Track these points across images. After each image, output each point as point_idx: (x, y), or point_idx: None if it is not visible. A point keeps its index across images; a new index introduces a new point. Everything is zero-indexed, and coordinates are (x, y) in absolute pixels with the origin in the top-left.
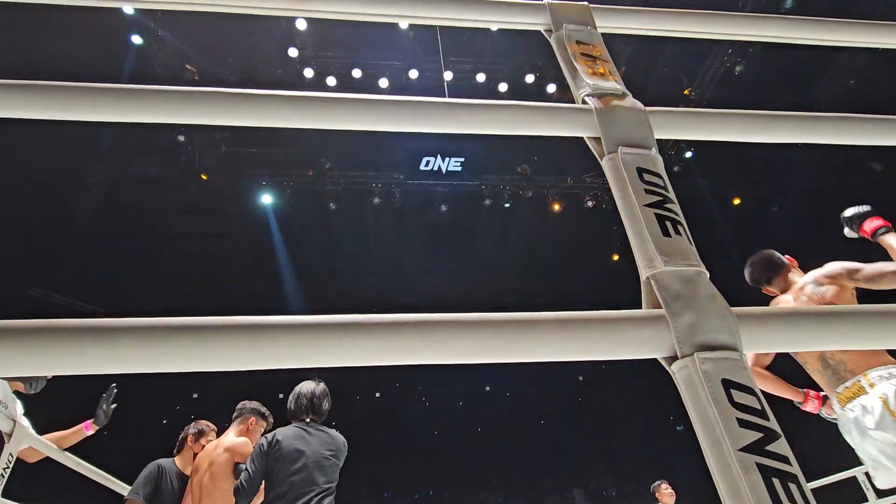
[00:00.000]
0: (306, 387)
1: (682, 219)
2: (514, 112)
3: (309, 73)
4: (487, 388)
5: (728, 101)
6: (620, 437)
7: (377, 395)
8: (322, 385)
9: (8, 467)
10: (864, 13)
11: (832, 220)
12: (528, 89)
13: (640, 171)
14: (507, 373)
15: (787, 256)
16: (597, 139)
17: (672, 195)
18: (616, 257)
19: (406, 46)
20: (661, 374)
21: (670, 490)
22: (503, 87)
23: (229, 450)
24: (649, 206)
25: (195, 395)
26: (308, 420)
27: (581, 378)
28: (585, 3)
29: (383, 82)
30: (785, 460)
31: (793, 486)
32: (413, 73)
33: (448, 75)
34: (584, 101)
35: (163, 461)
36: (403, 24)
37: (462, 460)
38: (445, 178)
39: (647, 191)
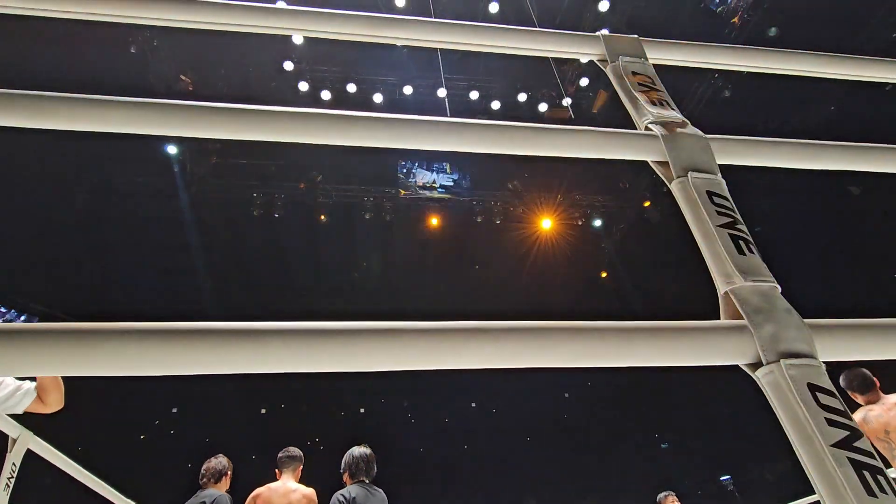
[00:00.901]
0: (359, 451)
1: (751, 238)
2: (582, 137)
3: (304, 86)
4: (473, 405)
5: (716, 124)
6: (607, 455)
7: (361, 410)
8: (370, 449)
9: (12, 477)
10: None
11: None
12: (520, 108)
13: (710, 194)
14: (492, 388)
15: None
16: (664, 164)
17: (740, 217)
18: (604, 274)
19: (400, 63)
20: (648, 390)
21: (678, 502)
22: (496, 105)
23: (308, 499)
24: (722, 226)
25: (174, 410)
26: (367, 481)
27: (567, 395)
28: (636, 36)
29: (377, 97)
30: (871, 455)
31: (881, 479)
32: (407, 90)
33: (442, 92)
34: (647, 129)
35: (224, 497)
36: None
37: (448, 477)
38: (438, 193)
39: (718, 212)
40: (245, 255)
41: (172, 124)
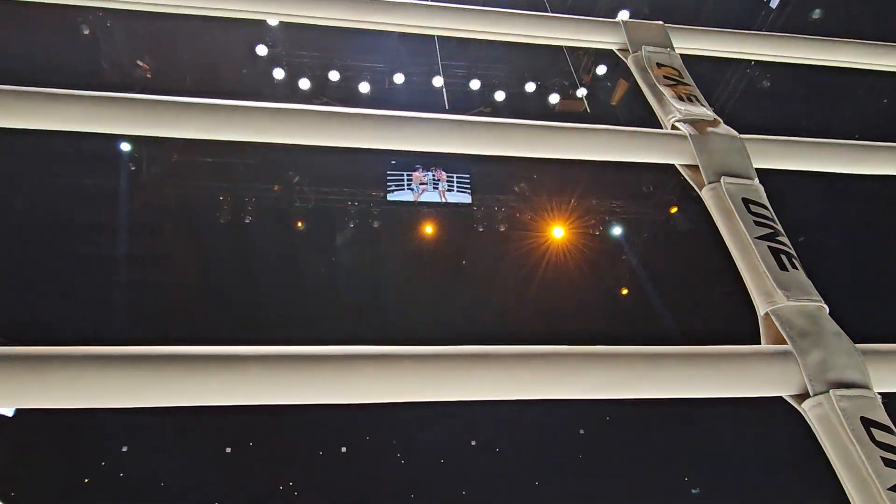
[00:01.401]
0: None
1: (794, 252)
2: (601, 137)
3: (279, 74)
4: (473, 443)
5: (752, 124)
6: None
7: (343, 449)
8: None
9: None
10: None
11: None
12: (528, 99)
13: (746, 201)
14: (496, 424)
15: None
16: (693, 167)
17: (780, 227)
18: (625, 291)
19: (390, 47)
20: (675, 423)
21: None
22: (500, 95)
23: None
24: (761, 238)
25: (124, 448)
26: None
27: (582, 432)
28: (661, 22)
29: (364, 87)
30: None
31: None
32: (399, 78)
33: (438, 81)
34: (674, 127)
35: None
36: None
37: None
38: (432, 198)
39: (756, 223)
40: (210, 267)
41: (129, 122)
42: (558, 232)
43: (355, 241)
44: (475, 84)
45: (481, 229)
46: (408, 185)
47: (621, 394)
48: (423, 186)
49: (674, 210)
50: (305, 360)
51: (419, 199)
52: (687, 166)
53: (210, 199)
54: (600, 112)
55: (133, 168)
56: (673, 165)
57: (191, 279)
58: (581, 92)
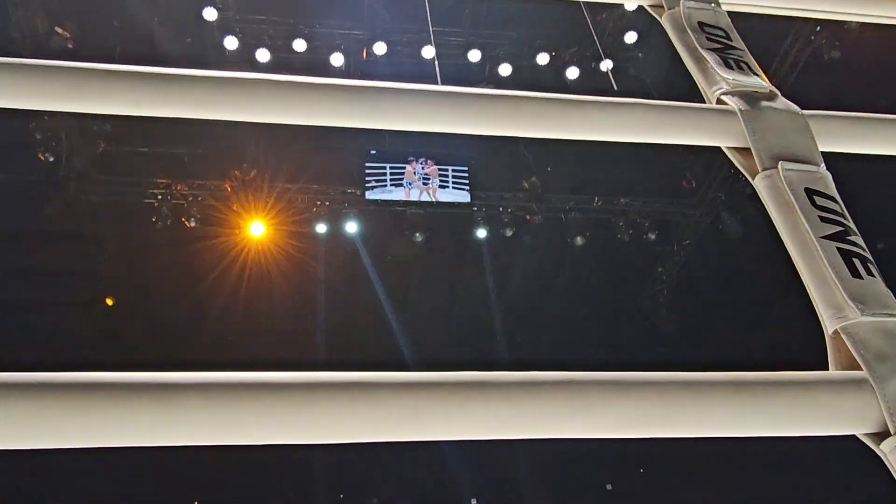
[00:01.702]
0: None
1: (869, 255)
2: (629, 113)
3: (232, 43)
4: (474, 502)
5: (817, 98)
6: None
7: (341, 496)
8: None
9: None
10: None
11: None
12: (540, 74)
13: (810, 192)
14: (502, 480)
15: None
16: (743, 151)
17: (852, 224)
18: (662, 311)
19: (369, 10)
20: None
21: None
22: (505, 69)
23: None
24: (828, 238)
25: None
26: None
27: (610, 487)
28: None
29: (337, 59)
30: None
31: None
32: (380, 48)
33: (429, 51)
34: (720, 102)
35: None
36: None
37: None
38: (422, 197)
39: (822, 219)
40: (145, 283)
41: (45, 94)
42: (579, 239)
43: (326, 248)
44: (475, 55)
45: (483, 234)
46: (392, 180)
47: (655, 431)
48: (424, 185)
49: (723, 211)
50: (256, 389)
51: (408, 199)
52: (736, 149)
53: (145, 198)
54: (631, 90)
55: (51, 159)
56: (719, 149)
57: (120, 298)
58: (607, 65)
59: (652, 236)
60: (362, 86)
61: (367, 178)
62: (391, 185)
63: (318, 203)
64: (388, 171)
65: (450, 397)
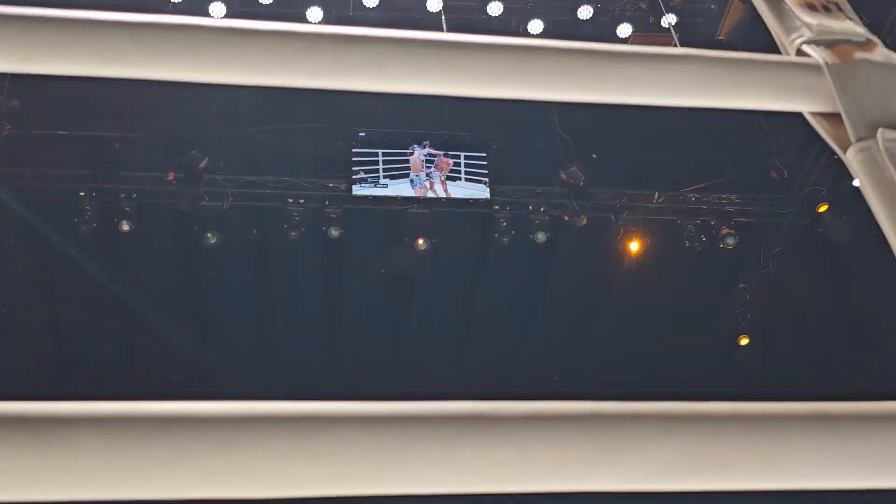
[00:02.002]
0: None
1: None
2: (677, 68)
3: None
4: None
5: None
6: None
7: None
8: None
9: None
10: None
11: None
12: (582, 33)
13: None
14: None
15: None
16: (831, 116)
17: None
18: (745, 341)
19: None
20: None
21: None
22: (536, 26)
23: None
24: None
25: None
26: None
27: None
28: None
29: (314, 13)
30: None
31: None
32: None
33: (435, 3)
34: (800, 53)
35: None
36: None
37: None
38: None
39: None
40: (66, 300)
41: None
42: (634, 246)
43: (300, 259)
44: (495, 7)
45: (507, 240)
46: (387, 171)
47: (711, 481)
48: (436, 178)
49: (823, 208)
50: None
51: (418, 194)
52: (822, 114)
53: (65, 194)
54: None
55: None
56: (800, 115)
57: (32, 320)
58: (668, 20)
59: (730, 242)
60: (325, 33)
61: (354, 168)
62: (385, 177)
63: (290, 201)
64: (381, 159)
65: (435, 436)
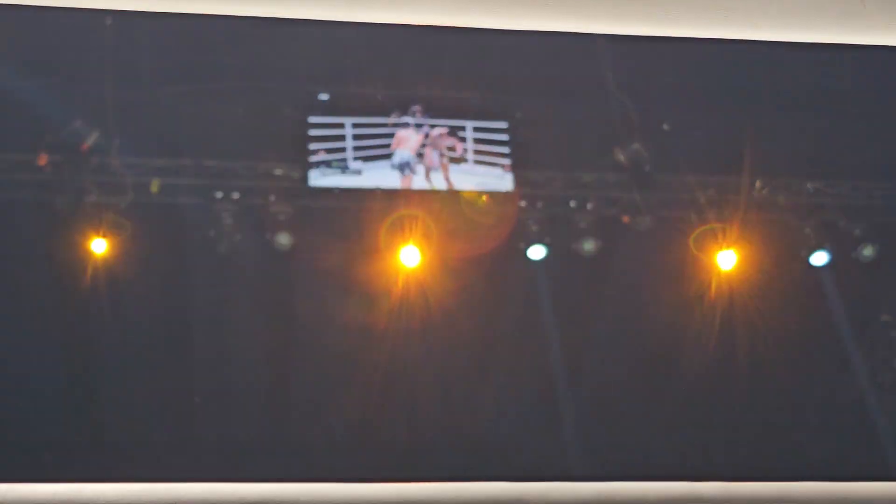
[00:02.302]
0: None
1: None
2: None
3: None
4: None
5: None
6: None
7: None
8: None
9: None
10: None
11: None
12: None
13: None
14: None
15: None
16: None
17: None
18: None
19: None
20: None
21: None
22: None
23: None
24: None
25: None
26: None
27: None
28: None
29: None
30: None
31: None
32: None
33: None
34: None
35: None
36: None
37: None
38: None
39: None
40: None
41: None
42: (729, 260)
43: (233, 282)
44: None
45: (539, 251)
46: (359, 152)
47: None
48: (434, 161)
49: None
50: None
51: (406, 185)
52: None
53: None
54: None
55: None
56: None
57: None
58: None
59: (867, 253)
60: None
61: (312, 147)
62: (357, 158)
63: (218, 195)
64: (350, 132)
65: None
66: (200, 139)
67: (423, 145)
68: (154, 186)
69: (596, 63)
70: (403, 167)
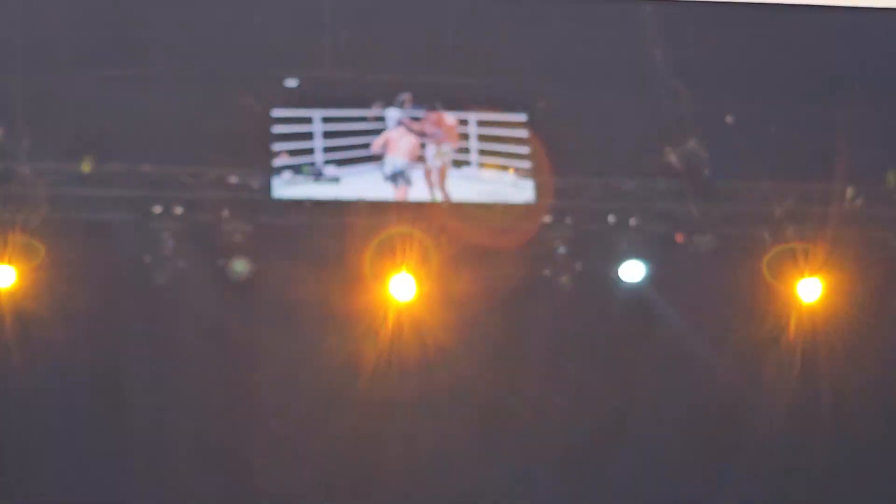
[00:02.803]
0: None
1: None
2: None
3: None
4: None
5: None
6: None
7: None
8: None
9: None
10: None
11: None
12: None
13: None
14: None
15: None
16: None
17: None
18: None
19: None
20: None
21: None
22: None
23: None
24: None
25: None
26: None
27: None
28: None
29: None
30: None
31: None
32: None
33: None
34: None
35: None
36: None
37: None
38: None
39: None
40: None
41: None
42: (812, 290)
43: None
44: None
45: (567, 279)
46: (332, 155)
47: None
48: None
49: None
50: None
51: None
52: None
53: None
54: None
55: None
56: None
57: None
58: None
59: None
60: None
61: (275, 149)
62: (331, 162)
63: (158, 209)
64: (322, 128)
65: None
66: (133, 138)
67: (422, 145)
68: (85, 165)
69: (639, 35)
70: (397, 177)
